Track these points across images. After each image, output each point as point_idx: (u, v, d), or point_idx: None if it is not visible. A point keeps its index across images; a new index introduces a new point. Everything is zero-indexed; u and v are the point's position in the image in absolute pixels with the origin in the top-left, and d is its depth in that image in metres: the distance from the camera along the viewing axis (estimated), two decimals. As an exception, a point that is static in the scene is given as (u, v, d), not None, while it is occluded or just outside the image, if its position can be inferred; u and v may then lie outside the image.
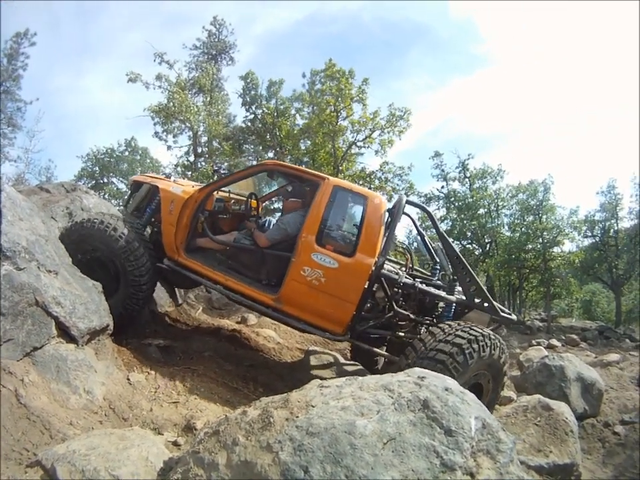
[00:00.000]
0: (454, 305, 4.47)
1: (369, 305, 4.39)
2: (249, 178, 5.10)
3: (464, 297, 4.39)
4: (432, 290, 4.35)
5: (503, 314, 4.52)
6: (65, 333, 3.18)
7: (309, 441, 1.91)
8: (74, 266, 3.72)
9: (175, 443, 2.90)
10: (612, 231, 18.83)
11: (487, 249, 19.17)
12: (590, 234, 19.09)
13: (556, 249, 16.83)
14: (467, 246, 19.68)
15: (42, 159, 39.66)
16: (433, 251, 5.08)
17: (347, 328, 4.25)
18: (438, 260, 4.94)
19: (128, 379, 3.50)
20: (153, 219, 4.73)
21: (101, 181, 26.59)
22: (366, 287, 4.09)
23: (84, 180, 25.64)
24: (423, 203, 19.58)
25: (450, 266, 4.43)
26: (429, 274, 5.22)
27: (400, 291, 4.39)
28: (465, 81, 71.56)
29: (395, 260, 5.51)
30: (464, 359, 3.63)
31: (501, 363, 4.01)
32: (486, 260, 18.04)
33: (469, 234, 19.40)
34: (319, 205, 4.20)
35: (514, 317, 4.73)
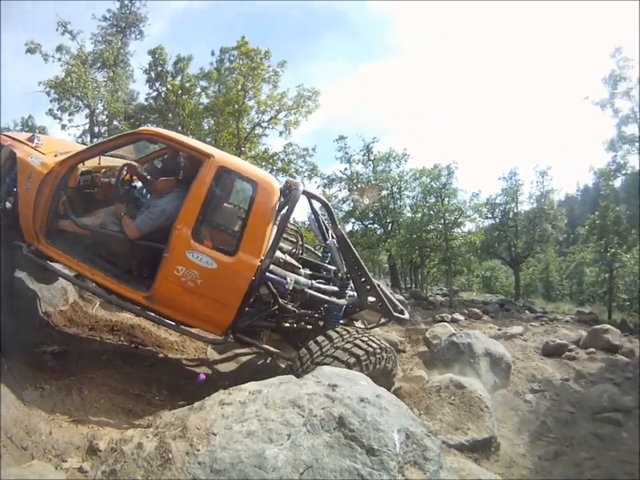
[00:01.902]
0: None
1: (251, 300, 3.95)
2: (124, 147, 4.35)
3: (356, 297, 4.20)
4: (322, 296, 4.00)
5: (395, 313, 4.40)
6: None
7: (215, 480, 1.68)
8: None
9: (81, 470, 2.71)
10: (511, 213, 20.11)
11: (389, 229, 19.56)
12: (490, 216, 20.18)
13: (457, 230, 17.49)
14: (369, 226, 20.05)
15: None
16: (326, 235, 4.65)
17: (228, 330, 3.87)
18: (331, 257, 4.57)
19: (22, 400, 3.19)
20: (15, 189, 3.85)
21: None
22: (248, 290, 3.67)
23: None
24: (326, 184, 19.92)
25: (344, 264, 4.14)
26: (319, 255, 5.04)
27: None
28: (377, 67, 76.31)
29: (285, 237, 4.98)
30: (360, 370, 3.45)
31: (392, 374, 4.00)
32: (388, 240, 18.37)
33: (371, 214, 19.79)
34: (199, 189, 3.61)
35: (406, 315, 4.66)
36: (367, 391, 2.22)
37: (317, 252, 5.51)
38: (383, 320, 4.71)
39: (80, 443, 2.98)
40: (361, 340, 3.68)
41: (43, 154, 3.83)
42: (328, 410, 2.01)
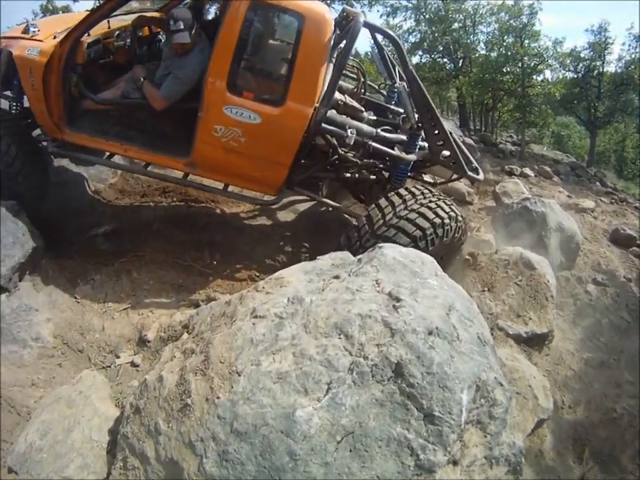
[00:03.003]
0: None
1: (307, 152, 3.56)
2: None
3: (427, 150, 3.70)
4: (388, 150, 3.50)
5: (470, 173, 3.87)
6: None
7: (236, 447, 1.37)
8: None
9: (133, 364, 2.81)
10: (596, 71, 17.87)
11: (460, 65, 17.80)
12: (573, 69, 18.07)
13: (536, 77, 15.73)
14: (438, 60, 18.18)
15: None
16: (392, 73, 4.10)
17: (281, 188, 3.54)
18: (400, 102, 3.87)
19: (75, 297, 3.23)
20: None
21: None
22: (301, 145, 3.23)
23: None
24: (389, 13, 17.64)
25: (415, 113, 3.53)
26: (385, 95, 4.45)
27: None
28: None
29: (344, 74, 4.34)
30: (425, 245, 3.13)
31: (459, 244, 3.70)
32: (459, 77, 16.92)
33: (441, 48, 17.78)
34: (230, 32, 3.00)
35: (481, 176, 4.12)
36: (437, 306, 1.65)
37: (382, 91, 4.79)
38: (455, 176, 4.20)
39: (131, 335, 3.03)
40: (428, 207, 3.24)
41: (40, 41, 3.38)
42: (384, 351, 1.48)
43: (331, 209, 4.67)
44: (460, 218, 3.43)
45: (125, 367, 2.77)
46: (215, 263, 3.83)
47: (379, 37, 4.19)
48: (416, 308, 1.56)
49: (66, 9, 24.09)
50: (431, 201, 3.31)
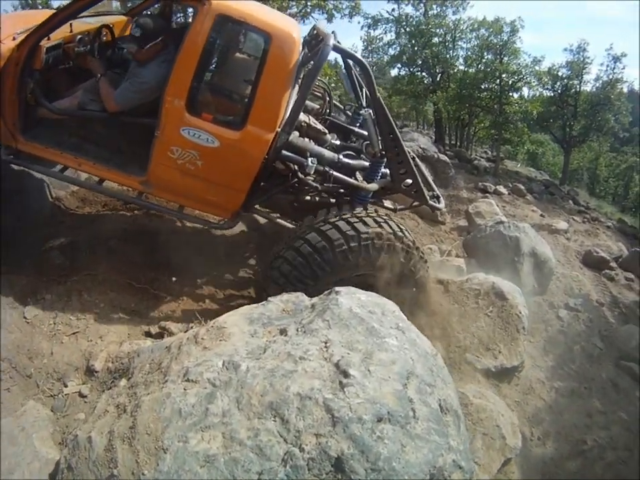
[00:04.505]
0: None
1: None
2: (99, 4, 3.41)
3: (389, 178, 3.57)
4: (349, 180, 3.40)
5: (431, 202, 3.78)
6: None
7: None
8: None
9: (80, 394, 2.70)
10: (573, 90, 18.01)
11: (438, 79, 17.75)
12: (550, 87, 18.19)
13: (513, 95, 15.76)
14: (416, 73, 18.10)
15: None
16: (359, 94, 3.96)
17: (238, 212, 3.40)
18: (365, 132, 3.78)
19: (24, 317, 3.08)
20: None
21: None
22: (260, 170, 3.09)
23: None
24: (370, 25, 17.59)
25: (380, 140, 3.41)
26: (349, 117, 4.33)
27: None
28: None
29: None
30: (332, 256, 3.03)
31: (415, 273, 3.44)
32: (437, 91, 16.83)
33: (420, 61, 17.71)
34: (192, 48, 2.83)
35: (442, 205, 4.05)
36: (393, 377, 1.47)
37: (347, 112, 4.66)
38: (415, 203, 4.04)
39: (79, 363, 2.91)
40: (347, 221, 3.13)
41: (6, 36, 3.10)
42: (322, 444, 1.29)
43: None
44: (410, 242, 3.30)
45: (73, 397, 2.66)
46: (171, 285, 3.67)
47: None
48: (366, 386, 1.36)
49: (46, 3, 23.55)
50: (381, 217, 3.21)
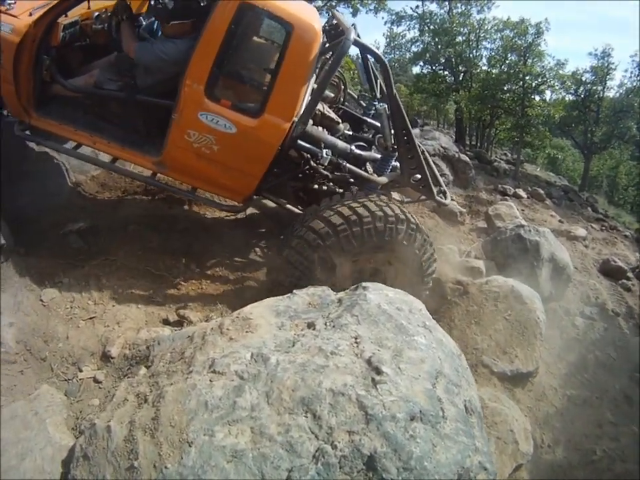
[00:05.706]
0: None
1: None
2: None
3: (399, 171, 3.62)
4: (361, 172, 3.47)
5: (438, 197, 3.83)
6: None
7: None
8: None
9: (95, 380, 2.67)
10: (597, 96, 17.79)
11: (461, 79, 17.70)
12: (573, 92, 17.96)
13: (536, 97, 15.62)
14: (439, 72, 18.08)
15: None
16: (374, 87, 4.05)
17: (250, 197, 3.48)
18: (377, 123, 3.84)
19: (41, 300, 3.05)
20: None
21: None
22: (274, 157, 3.15)
23: None
24: (393, 21, 17.63)
25: (393, 136, 3.46)
26: (363, 107, 4.37)
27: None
28: None
29: None
30: (336, 241, 3.08)
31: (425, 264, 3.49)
32: (459, 90, 16.87)
33: (443, 60, 17.69)
34: (214, 34, 2.85)
35: (448, 200, 4.11)
36: (423, 375, 1.45)
37: (361, 102, 4.73)
38: (422, 197, 4.12)
39: (95, 348, 2.89)
40: (349, 207, 3.16)
41: (15, 17, 3.09)
42: (356, 441, 1.25)
43: None
44: (413, 224, 3.30)
45: (87, 382, 2.64)
46: (189, 272, 3.69)
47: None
48: (398, 384, 1.36)
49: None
50: (358, 201, 3.21)
